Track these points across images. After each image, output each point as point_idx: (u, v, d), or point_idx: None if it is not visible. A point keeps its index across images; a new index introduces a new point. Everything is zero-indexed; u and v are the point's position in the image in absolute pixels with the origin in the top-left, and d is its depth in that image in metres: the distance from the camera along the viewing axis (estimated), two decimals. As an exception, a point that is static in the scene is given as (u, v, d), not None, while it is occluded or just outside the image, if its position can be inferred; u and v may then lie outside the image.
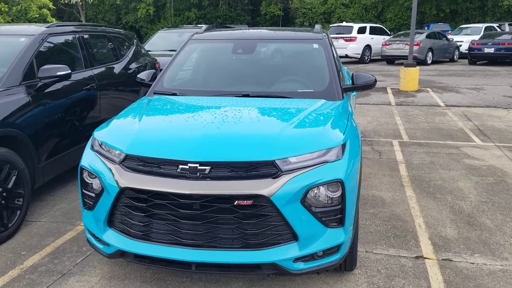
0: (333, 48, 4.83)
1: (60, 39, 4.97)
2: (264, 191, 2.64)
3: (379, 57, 21.96)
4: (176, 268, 2.81)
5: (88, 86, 5.13)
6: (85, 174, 3.06)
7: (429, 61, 20.37)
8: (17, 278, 3.34)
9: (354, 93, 4.64)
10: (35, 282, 3.28)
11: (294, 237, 2.75)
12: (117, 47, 6.08)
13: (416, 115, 9.61)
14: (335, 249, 2.89)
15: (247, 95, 3.67)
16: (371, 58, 22.19)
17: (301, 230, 2.74)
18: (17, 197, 4.01)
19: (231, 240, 2.74)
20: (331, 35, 21.25)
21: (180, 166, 2.72)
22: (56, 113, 4.49)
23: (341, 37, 21.15)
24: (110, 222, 2.95)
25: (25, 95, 4.17)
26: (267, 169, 2.71)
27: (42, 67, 4.33)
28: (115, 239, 2.91)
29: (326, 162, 2.82)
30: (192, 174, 2.70)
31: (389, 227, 4.22)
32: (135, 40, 6.76)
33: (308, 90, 3.76)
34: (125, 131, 3.08)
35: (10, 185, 3.90)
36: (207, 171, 2.69)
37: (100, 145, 3.06)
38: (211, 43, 4.42)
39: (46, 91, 4.43)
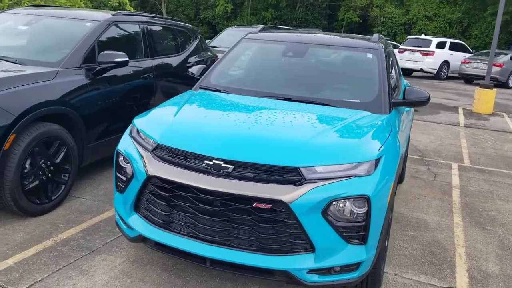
0: (392, 59, 4.67)
1: (124, 27, 5.18)
2: (284, 197, 2.59)
3: (457, 75, 20.94)
4: (192, 261, 2.83)
5: (146, 75, 5.31)
6: (120, 158, 3.16)
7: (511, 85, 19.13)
8: (49, 248, 3.52)
9: (407, 109, 4.43)
10: (64, 255, 3.44)
11: (311, 248, 2.68)
12: (179, 40, 6.25)
13: (484, 139, 9.06)
14: (354, 266, 2.77)
15: (290, 99, 3.62)
16: (448, 75, 21.20)
17: (318, 242, 2.66)
18: (64, 172, 4.23)
19: (247, 241, 2.71)
20: (407, 47, 20.68)
21: (205, 162, 2.74)
22: (111, 98, 4.68)
23: (417, 50, 20.40)
24: (136, 207, 3.03)
25: (83, 77, 4.39)
26: (291, 175, 2.66)
27: (101, 52, 4.54)
28: (138, 224, 2.98)
29: (354, 175, 2.71)
30: (216, 171, 2.70)
31: (426, 253, 4.00)
32: (199, 35, 6.91)
33: (353, 100, 3.64)
34: (161, 121, 3.15)
35: (58, 160, 4.12)
36: (230, 170, 2.68)
37: (138, 132, 3.15)
38: (263, 43, 4.41)
39: (103, 75, 4.63)
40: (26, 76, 3.88)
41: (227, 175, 2.69)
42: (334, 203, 2.65)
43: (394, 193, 3.20)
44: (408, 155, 7.26)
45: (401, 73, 5.70)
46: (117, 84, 4.82)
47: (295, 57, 4.16)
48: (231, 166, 2.68)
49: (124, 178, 3.09)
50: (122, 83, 4.90)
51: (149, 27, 5.59)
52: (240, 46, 4.40)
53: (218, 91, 3.84)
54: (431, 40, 20.70)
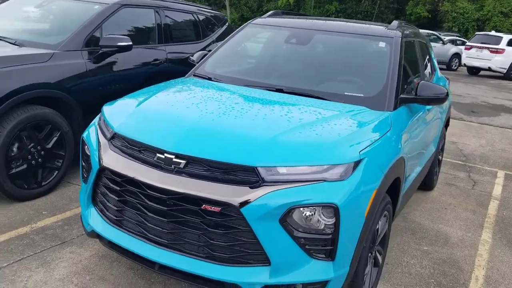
0: (418, 51, 4.14)
1: (135, 12, 4.99)
2: (234, 200, 2.25)
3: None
4: (141, 264, 2.56)
5: (157, 62, 5.10)
6: (85, 146, 2.95)
7: None
8: (22, 236, 3.39)
9: (429, 107, 3.90)
10: (34, 244, 3.30)
11: (267, 260, 2.32)
12: (200, 27, 6.00)
13: (544, 147, 8.11)
14: (320, 285, 2.38)
15: (281, 90, 3.25)
16: (521, 76, 19.53)
17: (274, 254, 2.30)
18: (57, 158, 4.11)
19: (197, 247, 2.40)
20: (475, 44, 19.24)
21: (157, 155, 2.45)
22: (113, 84, 4.51)
23: (485, 47, 18.93)
24: (94, 200, 2.81)
25: (82, 61, 4.25)
26: (247, 176, 2.31)
27: (104, 36, 4.37)
28: (93, 219, 2.76)
29: (324, 180, 2.32)
30: (167, 166, 2.41)
31: (436, 272, 3.49)
32: (226, 23, 6.63)
33: (355, 94, 3.20)
34: (126, 108, 2.89)
35: (49, 145, 4.01)
36: (182, 165, 2.37)
37: (100, 119, 2.93)
38: (267, 29, 4.04)
39: (106, 60, 4.46)
40: (14, 57, 3.77)
41: (179, 171, 2.39)
42: (295, 210, 2.27)
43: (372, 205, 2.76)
44: (448, 159, 6.61)
45: (435, 67, 5.11)
46: (121, 70, 4.64)
47: (298, 44, 3.76)
48: (183, 162, 2.38)
49: (86, 167, 2.88)
50: (127, 69, 4.72)
51: (165, 11, 5.37)
52: (243, 32, 4.07)
53: (209, 79, 3.54)
54: (501, 37, 19.13)
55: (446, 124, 5.40)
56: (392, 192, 3.03)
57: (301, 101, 3.03)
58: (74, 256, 3.19)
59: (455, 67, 22.73)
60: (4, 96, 3.54)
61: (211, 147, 2.39)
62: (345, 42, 3.68)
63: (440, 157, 5.46)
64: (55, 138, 4.03)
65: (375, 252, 2.92)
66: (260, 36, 4.15)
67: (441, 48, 21.91)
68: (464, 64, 20.77)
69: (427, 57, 4.78)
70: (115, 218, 2.65)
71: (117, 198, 2.60)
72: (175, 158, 2.39)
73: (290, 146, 2.41)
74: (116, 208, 2.63)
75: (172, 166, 2.39)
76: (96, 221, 2.74)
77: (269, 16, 4.20)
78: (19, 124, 3.69)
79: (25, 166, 3.84)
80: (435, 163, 4.99)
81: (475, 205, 4.98)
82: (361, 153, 2.46)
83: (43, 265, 3.06)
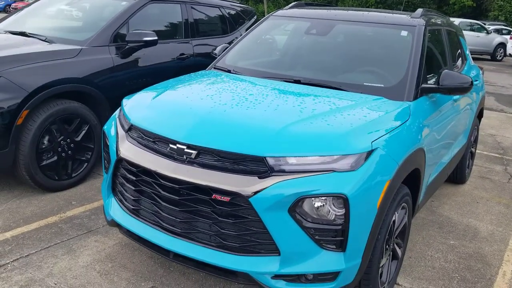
0: (445, 39, 4.02)
1: (162, 7, 5.08)
2: (243, 190, 2.27)
3: None
4: (157, 252, 2.63)
5: (183, 56, 5.18)
6: (106, 138, 3.04)
7: None
8: (51, 224, 3.54)
9: (456, 97, 3.77)
10: (62, 232, 3.43)
11: (277, 250, 2.33)
12: (227, 20, 6.03)
13: None
14: (331, 276, 2.37)
15: (299, 81, 3.24)
16: None
17: (284, 244, 2.30)
18: (87, 150, 4.26)
19: (209, 236, 2.44)
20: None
21: (170, 145, 2.50)
22: (139, 78, 4.61)
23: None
24: (113, 190, 2.90)
25: (109, 56, 4.37)
26: (256, 166, 2.32)
27: (130, 31, 4.48)
28: (113, 208, 2.85)
29: (333, 170, 2.30)
30: (180, 156, 2.45)
31: (461, 267, 3.40)
32: (255, 16, 6.63)
33: (370, 84, 3.14)
34: (143, 101, 2.96)
35: (79, 138, 4.15)
36: (193, 156, 2.41)
37: (120, 111, 3.01)
38: (289, 20, 4.02)
39: (133, 55, 4.57)
40: (44, 53, 3.93)
41: (190, 161, 2.43)
42: (305, 201, 2.27)
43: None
44: (484, 152, 6.39)
45: (467, 56, 4.93)
46: (148, 65, 4.74)
47: (318, 35, 3.73)
48: (194, 152, 2.41)
49: (107, 158, 2.97)
50: (154, 64, 4.81)
51: (192, 6, 5.43)
52: (265, 24, 4.06)
53: (229, 71, 3.57)
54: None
55: (480, 116, 5.21)
56: (412, 184, 2.98)
57: (317, 92, 3.01)
58: (98, 245, 3.31)
59: (500, 58, 21.85)
60: (34, 91, 3.69)
61: (221, 137, 2.41)
62: (366, 31, 3.62)
63: (473, 150, 5.28)
64: (84, 131, 4.17)
65: (393, 244, 2.87)
66: (281, 28, 4.14)
67: (485, 38, 21.11)
68: (510, 54, 19.92)
69: (457, 46, 4.63)
70: (132, 207, 2.72)
71: (133, 188, 2.67)
72: (186, 148, 2.43)
73: (300, 136, 2.40)
74: (133, 198, 2.70)
75: (184, 157, 2.43)
76: (115, 210, 2.82)
77: (291, 7, 4.18)
78: (49, 118, 3.84)
79: (55, 158, 3.99)
80: (466, 156, 4.83)
81: (510, 199, 4.80)
82: (373, 143, 2.42)
83: (68, 252, 3.18)
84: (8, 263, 3.02)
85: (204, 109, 2.65)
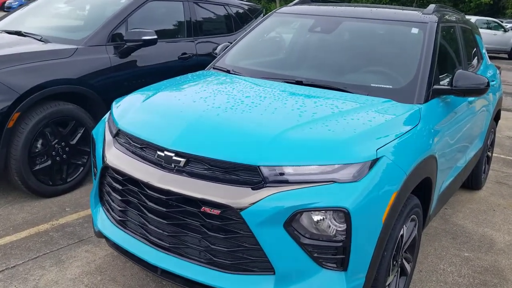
0: (460, 37, 3.77)
1: (162, 5, 4.89)
2: (234, 202, 2.07)
3: None
4: (144, 268, 2.44)
5: (185, 55, 4.99)
6: (94, 143, 2.87)
7: None
8: (42, 233, 3.38)
9: (471, 98, 3.53)
10: (51, 242, 3.27)
11: (271, 268, 2.12)
12: (232, 19, 5.83)
13: None
14: (331, 297, 2.16)
15: (300, 82, 3.02)
16: None
17: (279, 262, 2.10)
18: (82, 154, 4.10)
19: (198, 252, 2.24)
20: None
21: (158, 152, 2.31)
22: (138, 79, 4.43)
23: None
24: (101, 198, 2.72)
25: (106, 56, 4.20)
26: (249, 176, 2.12)
27: (128, 30, 4.31)
28: (100, 219, 2.67)
29: (334, 181, 2.09)
30: (167, 164, 2.26)
31: (475, 282, 3.16)
32: (261, 14, 6.42)
33: (377, 85, 2.92)
34: (133, 103, 2.77)
35: (74, 141, 3.99)
36: (182, 164, 2.22)
37: (109, 115, 2.83)
38: (293, 17, 3.80)
39: (132, 54, 4.39)
40: (37, 53, 3.77)
41: (179, 170, 2.23)
42: (302, 214, 2.06)
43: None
44: (501, 156, 6.10)
45: (483, 55, 4.67)
46: (147, 65, 4.56)
47: (322, 33, 3.51)
48: (183, 160, 2.22)
49: (95, 164, 2.79)
50: (154, 64, 4.63)
51: (194, 4, 5.24)
52: (268, 22, 3.85)
53: (228, 72, 3.37)
54: None
55: (497, 118, 4.93)
56: (422, 194, 2.75)
57: (319, 94, 2.80)
58: (88, 255, 3.13)
59: (518, 56, 21.30)
60: (25, 92, 3.54)
61: (212, 144, 2.22)
62: (374, 29, 3.39)
63: (489, 154, 5.01)
64: (79, 134, 4.01)
65: (401, 260, 2.65)
66: (285, 26, 3.93)
67: (502, 36, 20.59)
68: (528, 52, 19.42)
69: (473, 44, 4.37)
70: (119, 218, 2.54)
71: (120, 198, 2.49)
72: (175, 156, 2.24)
73: (298, 143, 2.19)
74: (119, 208, 2.52)
75: (172, 165, 2.24)
76: (102, 220, 2.65)
77: (296, 4, 3.96)
78: (42, 120, 3.69)
79: (49, 162, 3.84)
80: (482, 160, 4.57)
81: (529, 207, 4.53)
82: (378, 151, 2.20)
83: (57, 263, 3.02)
84: (-8, 274, 2.86)
85: (196, 113, 2.45)
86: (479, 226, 4.04)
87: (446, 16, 3.59)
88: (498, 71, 5.01)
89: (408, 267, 2.77)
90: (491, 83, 4.41)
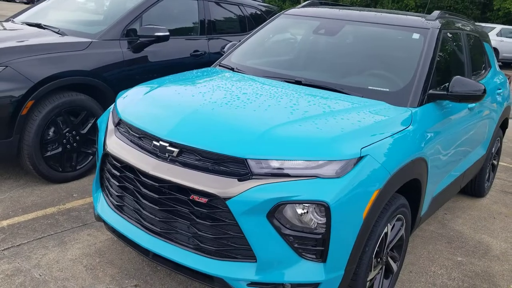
0: (464, 44, 3.81)
1: (177, 2, 5.03)
2: (220, 192, 2.18)
3: None
4: (137, 251, 2.57)
5: (198, 53, 5.13)
6: (98, 131, 3.02)
7: None
8: (48, 215, 3.55)
9: (472, 105, 3.56)
10: (56, 224, 3.44)
11: (254, 256, 2.23)
12: (246, 18, 5.94)
13: None
14: (310, 287, 2.25)
15: (299, 82, 3.12)
16: None
17: (260, 250, 2.20)
18: (92, 143, 4.27)
19: (187, 237, 2.36)
20: None
21: (154, 142, 2.44)
22: (149, 73, 4.58)
23: None
24: (102, 184, 2.86)
25: (120, 50, 4.36)
26: (236, 168, 2.23)
27: (142, 26, 4.46)
28: (99, 203, 2.81)
29: (316, 176, 2.18)
30: (162, 154, 2.39)
31: (464, 286, 3.21)
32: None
33: (374, 88, 2.99)
34: (135, 95, 2.91)
35: (85, 131, 4.16)
36: (175, 154, 2.34)
37: (114, 105, 2.98)
38: (299, 19, 3.89)
39: (144, 50, 4.55)
40: (53, 44, 3.95)
41: (172, 159, 2.36)
42: (286, 206, 2.16)
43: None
44: (510, 165, 6.06)
45: (491, 63, 4.67)
46: (159, 60, 4.71)
47: (326, 35, 3.59)
48: (176, 150, 2.34)
49: (98, 152, 2.94)
50: (166, 60, 4.78)
51: (208, 2, 5.38)
52: (275, 23, 3.96)
53: (232, 69, 3.48)
54: None
55: (504, 126, 4.93)
56: (412, 195, 2.82)
57: (315, 94, 2.89)
58: (90, 239, 3.29)
59: (544, 67, 20.86)
60: (39, 82, 3.72)
61: (203, 136, 2.33)
62: (376, 33, 3.46)
63: (494, 162, 5.01)
64: (90, 124, 4.18)
65: (387, 258, 2.72)
66: (291, 27, 4.03)
67: (528, 46, 20.21)
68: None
69: (480, 51, 4.39)
70: (116, 203, 2.68)
71: (117, 184, 2.63)
72: (169, 146, 2.36)
73: (285, 139, 2.29)
74: (117, 194, 2.66)
75: (166, 154, 2.37)
76: (102, 205, 2.79)
77: (304, 6, 4.06)
78: (54, 109, 3.87)
79: (60, 149, 4.01)
80: (485, 168, 4.58)
81: (531, 216, 4.52)
82: (363, 149, 2.28)
83: (59, 244, 3.18)
84: (-1, 251, 3.04)
85: (192, 107, 2.57)
86: (477, 232, 4.06)
87: (450, 23, 3.64)
88: (508, 80, 5.01)
89: (394, 265, 2.83)
90: (498, 91, 4.44)
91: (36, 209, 3.64)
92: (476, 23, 4.81)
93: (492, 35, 18.82)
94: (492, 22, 32.74)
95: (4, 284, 2.72)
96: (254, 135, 2.29)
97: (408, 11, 33.80)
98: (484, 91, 3.00)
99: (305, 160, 2.21)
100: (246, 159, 2.21)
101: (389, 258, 2.76)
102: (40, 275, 2.84)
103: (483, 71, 4.39)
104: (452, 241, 3.85)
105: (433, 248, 3.69)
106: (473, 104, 3.60)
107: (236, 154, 2.22)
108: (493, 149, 4.72)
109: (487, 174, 4.77)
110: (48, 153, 3.94)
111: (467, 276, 3.33)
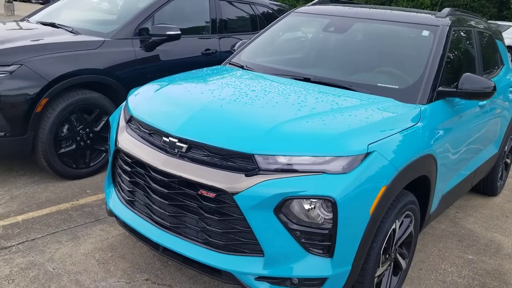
0: (475, 42, 3.79)
1: (189, 1, 5.09)
2: (228, 187, 2.21)
3: None
4: (147, 245, 2.62)
5: (209, 52, 5.17)
6: (110, 128, 3.07)
7: None
8: (62, 211, 3.62)
9: (483, 102, 3.54)
10: (70, 219, 3.50)
11: (261, 251, 2.26)
12: (258, 17, 5.97)
13: None
14: (317, 282, 2.28)
15: (308, 79, 3.14)
16: None
17: (268, 245, 2.23)
18: (106, 141, 4.33)
19: (196, 232, 2.40)
20: None
21: (163, 138, 2.48)
22: (161, 72, 4.62)
23: None
24: (114, 180, 2.92)
25: (132, 49, 4.42)
26: (244, 163, 2.26)
27: (154, 25, 4.52)
28: (111, 199, 2.86)
29: (323, 172, 2.20)
30: (171, 150, 2.43)
31: (474, 283, 3.19)
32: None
33: (384, 85, 3.00)
34: (146, 93, 2.96)
35: (98, 128, 4.23)
36: (184, 150, 2.38)
37: (125, 102, 3.03)
38: (309, 17, 3.90)
39: (156, 49, 4.60)
40: (66, 43, 4.02)
41: (181, 155, 2.40)
42: (293, 201, 2.19)
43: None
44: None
45: (504, 60, 4.63)
46: (170, 59, 4.76)
47: (335, 33, 3.60)
48: (185, 146, 2.38)
49: (110, 148, 3.00)
50: (178, 58, 4.83)
51: (221, 1, 5.41)
52: (285, 21, 3.98)
53: (242, 67, 3.52)
54: None
55: (518, 124, 4.87)
56: (420, 192, 2.82)
57: (323, 91, 2.90)
58: (102, 234, 3.35)
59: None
60: (53, 80, 3.79)
61: (212, 132, 2.37)
62: (386, 30, 3.46)
63: (508, 161, 4.97)
64: (103, 122, 4.25)
65: (395, 254, 2.73)
66: (301, 25, 4.05)
67: (545, 44, 19.91)
68: None
69: (492, 49, 4.36)
70: (128, 198, 2.73)
71: (129, 179, 2.68)
72: (178, 142, 2.40)
73: (292, 135, 2.31)
74: (128, 189, 2.71)
75: (176, 150, 2.41)
76: (114, 200, 2.84)
77: (314, 3, 4.07)
78: (68, 107, 3.94)
79: (73, 146, 4.09)
80: (498, 167, 4.54)
81: (544, 215, 4.48)
82: (370, 146, 2.29)
83: (72, 239, 3.24)
84: (14, 245, 3.10)
85: (201, 103, 2.61)
86: (489, 231, 4.04)
87: (461, 20, 3.62)
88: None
89: (403, 262, 2.84)
90: (510, 89, 4.40)
91: (50, 204, 3.71)
92: (493, 21, 4.77)
93: (508, 33, 18.60)
94: (509, 20, 32.29)
95: (19, 277, 2.79)
96: (262, 131, 2.32)
97: (423, 9, 33.51)
98: (494, 88, 2.98)
99: (312, 156, 2.23)
100: (253, 154, 2.24)
101: (397, 255, 2.76)
102: (54, 269, 2.90)
103: (496, 68, 4.35)
104: (463, 239, 3.83)
105: (444, 246, 3.68)
106: (484, 102, 3.58)
107: (244, 150, 2.25)
108: (506, 147, 4.68)
109: (500, 173, 4.72)
110: (62, 150, 4.02)
111: (477, 274, 3.32)
